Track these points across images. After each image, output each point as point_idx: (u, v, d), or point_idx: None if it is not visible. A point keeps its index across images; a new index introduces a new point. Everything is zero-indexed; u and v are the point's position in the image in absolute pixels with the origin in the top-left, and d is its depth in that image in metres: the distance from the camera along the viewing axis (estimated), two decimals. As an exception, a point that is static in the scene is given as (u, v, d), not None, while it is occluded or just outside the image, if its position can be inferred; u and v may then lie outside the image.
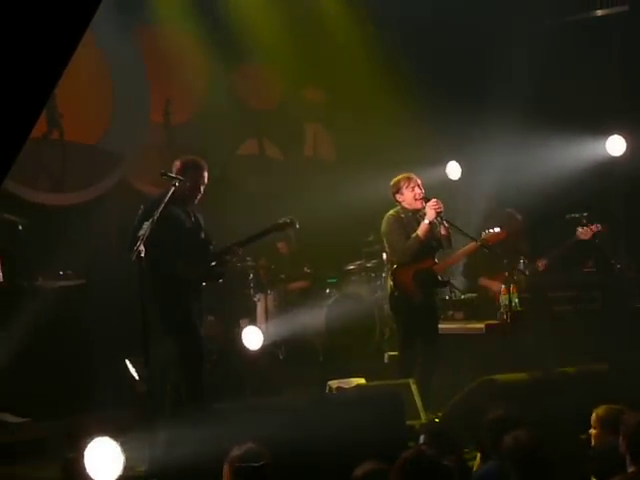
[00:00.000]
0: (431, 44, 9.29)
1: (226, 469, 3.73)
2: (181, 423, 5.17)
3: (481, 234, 6.92)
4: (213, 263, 5.89)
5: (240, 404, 6.45)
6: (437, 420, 6.04)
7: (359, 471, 3.51)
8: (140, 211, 5.67)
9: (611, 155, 8.85)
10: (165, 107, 8.96)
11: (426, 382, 6.48)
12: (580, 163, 8.79)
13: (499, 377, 6.41)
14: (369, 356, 8.29)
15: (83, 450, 4.68)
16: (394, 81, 9.30)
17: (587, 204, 7.94)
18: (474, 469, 4.43)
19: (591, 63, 8.67)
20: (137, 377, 6.74)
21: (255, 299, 8.44)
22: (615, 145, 8.83)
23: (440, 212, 6.54)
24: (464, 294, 7.97)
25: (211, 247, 5.97)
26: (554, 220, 8.03)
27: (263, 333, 7.79)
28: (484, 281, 7.79)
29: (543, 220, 8.24)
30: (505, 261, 7.03)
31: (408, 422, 5.72)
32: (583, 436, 4.61)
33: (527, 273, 7.37)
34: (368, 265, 8.98)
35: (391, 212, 6.72)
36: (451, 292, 7.92)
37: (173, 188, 5.58)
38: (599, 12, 9.51)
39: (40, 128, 7.71)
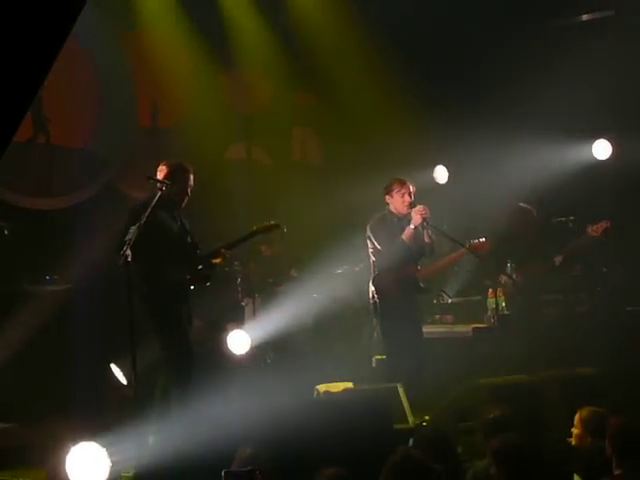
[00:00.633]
0: (419, 48, 9.31)
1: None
2: (169, 427, 5.16)
3: (466, 243, 6.96)
4: (200, 266, 5.90)
5: (228, 408, 6.43)
6: (425, 424, 6.04)
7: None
8: (127, 215, 5.66)
9: (597, 159, 8.89)
10: (152, 111, 8.95)
11: (414, 386, 6.49)
12: (566, 167, 8.83)
13: (486, 380, 6.44)
14: (357, 360, 8.29)
15: (68, 455, 4.65)
16: (383, 86, 9.32)
17: (573, 208, 7.98)
18: None
19: (577, 67, 8.70)
20: (124, 381, 6.72)
21: (243, 303, 8.43)
22: (601, 149, 8.86)
23: (426, 218, 6.58)
24: (452, 298, 7.99)
25: (198, 251, 5.98)
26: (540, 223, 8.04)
27: (250, 337, 7.78)
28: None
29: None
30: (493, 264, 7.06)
31: (396, 426, 5.72)
32: (569, 438, 4.63)
33: (514, 277, 7.39)
34: (356, 269, 8.97)
35: (377, 215, 6.79)
36: (439, 296, 7.93)
37: (160, 192, 5.58)
38: (585, 17, 9.57)
39: (26, 132, 7.67)
